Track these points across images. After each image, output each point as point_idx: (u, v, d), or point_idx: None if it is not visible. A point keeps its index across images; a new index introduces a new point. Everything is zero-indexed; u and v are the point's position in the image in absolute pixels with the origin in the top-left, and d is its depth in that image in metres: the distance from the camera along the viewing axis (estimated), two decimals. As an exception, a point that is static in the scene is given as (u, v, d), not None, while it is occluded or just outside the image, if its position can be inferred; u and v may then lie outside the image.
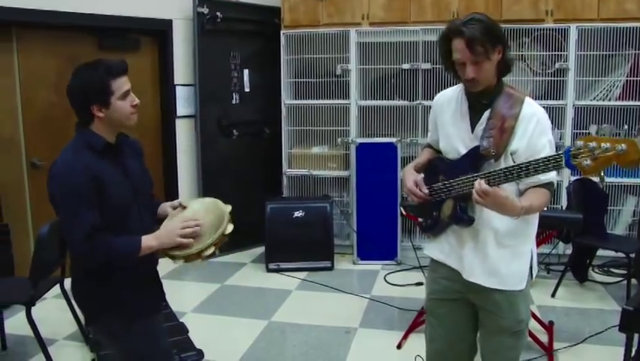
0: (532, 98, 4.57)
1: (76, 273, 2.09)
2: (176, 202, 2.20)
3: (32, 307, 3.14)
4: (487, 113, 2.02)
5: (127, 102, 1.96)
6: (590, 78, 4.77)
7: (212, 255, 1.99)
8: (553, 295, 4.23)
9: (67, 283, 2.39)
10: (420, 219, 2.33)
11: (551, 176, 1.98)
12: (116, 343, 2.12)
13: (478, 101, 2.05)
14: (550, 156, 1.78)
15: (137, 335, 2.08)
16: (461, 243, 2.12)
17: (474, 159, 2.03)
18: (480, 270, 2.08)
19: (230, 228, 2.02)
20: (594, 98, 4.74)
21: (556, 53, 4.74)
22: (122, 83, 1.94)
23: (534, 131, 1.96)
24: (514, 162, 1.94)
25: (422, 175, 2.27)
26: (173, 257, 2.01)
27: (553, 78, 4.80)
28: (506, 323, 2.10)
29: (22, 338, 3.56)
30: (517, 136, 1.97)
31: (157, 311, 2.20)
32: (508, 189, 1.96)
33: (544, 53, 4.78)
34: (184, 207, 2.15)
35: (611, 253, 4.47)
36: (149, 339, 2.13)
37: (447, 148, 2.16)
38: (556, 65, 4.74)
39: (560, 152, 1.73)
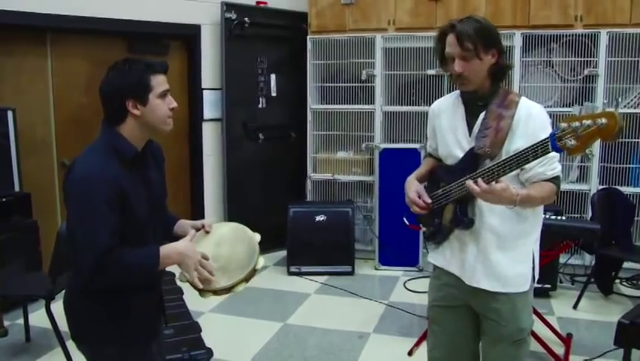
0: (561, 105, 4.50)
1: (73, 288, 1.90)
2: (199, 223, 2.04)
3: (53, 302, 3.26)
4: (482, 115, 2.02)
5: (165, 104, 1.82)
6: (621, 85, 4.63)
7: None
8: (575, 307, 4.12)
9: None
10: (424, 229, 2.33)
11: (557, 170, 1.98)
12: None
13: (474, 104, 2.06)
14: (537, 143, 1.76)
15: None
16: (463, 248, 2.12)
17: (471, 160, 2.03)
18: (482, 274, 2.07)
19: (261, 262, 1.92)
20: (625, 106, 4.60)
21: (586, 59, 4.62)
22: (162, 82, 1.82)
23: (534, 128, 1.94)
24: None
25: (425, 184, 2.29)
26: (201, 291, 1.88)
27: (582, 85, 4.69)
28: (507, 331, 2.08)
29: (45, 330, 3.68)
30: (517, 136, 1.96)
31: (155, 338, 2.03)
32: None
33: (573, 59, 4.67)
34: (207, 231, 2.00)
35: (640, 266, 4.34)
36: None
37: (446, 154, 2.17)
38: (586, 72, 4.62)
39: (545, 137, 1.72)
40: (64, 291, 1.99)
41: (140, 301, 1.90)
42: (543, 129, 1.94)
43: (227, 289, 1.87)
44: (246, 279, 1.88)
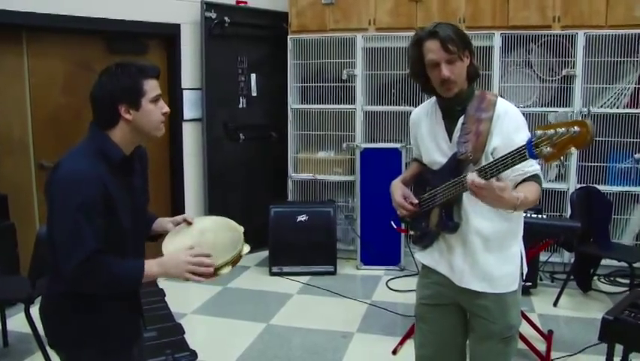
0: (539, 104, 4.57)
1: (51, 291, 1.86)
2: (179, 218, 2.03)
3: (32, 306, 3.20)
4: (461, 119, 2.04)
5: (157, 108, 1.80)
6: (598, 85, 4.71)
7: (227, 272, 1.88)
8: (555, 304, 4.18)
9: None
10: (411, 232, 2.34)
11: (537, 167, 1.98)
12: None
13: (452, 109, 2.07)
14: (513, 150, 1.75)
15: None
16: (450, 250, 2.14)
17: (454, 166, 2.04)
18: (471, 276, 2.08)
19: (247, 248, 1.92)
20: (602, 106, 4.68)
21: (564, 59, 4.70)
22: (154, 86, 1.80)
23: (509, 127, 1.97)
24: None
25: (411, 188, 2.31)
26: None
27: (560, 85, 4.76)
28: (497, 328, 2.10)
29: (24, 335, 3.62)
30: (494, 134, 1.98)
31: (136, 342, 2.00)
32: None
33: (552, 60, 4.73)
34: (189, 223, 1.98)
35: (618, 263, 4.41)
36: None
37: (429, 161, 2.19)
38: (564, 72, 4.69)
39: (522, 144, 1.72)
40: (41, 297, 1.94)
41: (117, 304, 1.87)
42: (517, 129, 1.97)
43: (213, 272, 1.85)
44: (232, 262, 1.86)
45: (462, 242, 2.09)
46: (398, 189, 2.23)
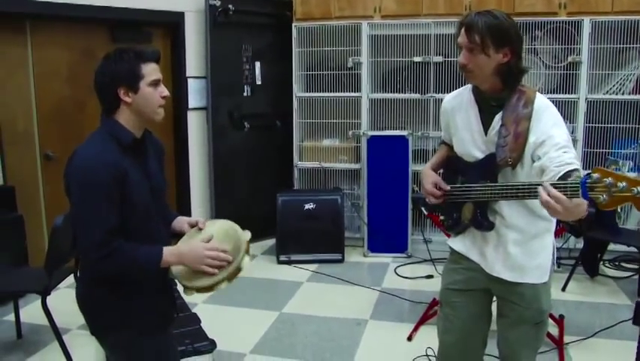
0: (545, 91, 4.54)
1: (83, 278, 1.96)
2: (193, 220, 2.07)
3: (47, 297, 3.19)
4: (498, 117, 2.00)
5: (156, 92, 1.85)
6: (603, 72, 4.73)
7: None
8: (563, 290, 4.22)
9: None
10: (441, 217, 2.35)
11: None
12: (125, 358, 1.97)
13: (487, 104, 2.04)
14: (567, 183, 1.65)
15: (149, 350, 1.95)
16: (483, 240, 2.15)
17: (492, 167, 2.02)
18: (502, 266, 2.10)
19: (246, 261, 1.90)
20: (607, 92, 4.71)
21: (569, 46, 4.70)
22: (153, 70, 1.84)
23: (547, 122, 1.93)
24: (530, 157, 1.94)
25: (441, 171, 2.30)
26: (185, 288, 1.89)
27: (565, 72, 4.77)
28: (529, 313, 2.12)
29: (36, 326, 3.61)
30: (532, 133, 1.94)
31: (170, 323, 2.07)
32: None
33: (557, 47, 4.75)
34: (200, 229, 2.01)
35: (623, 248, 4.47)
36: (161, 355, 2.00)
37: (462, 152, 2.17)
38: (569, 59, 4.70)
39: (576, 181, 1.63)
40: (76, 285, 2.01)
41: (152, 284, 1.93)
42: (554, 125, 1.92)
43: (209, 288, 1.87)
44: (228, 278, 1.86)
45: (496, 235, 2.10)
46: (429, 177, 2.22)
